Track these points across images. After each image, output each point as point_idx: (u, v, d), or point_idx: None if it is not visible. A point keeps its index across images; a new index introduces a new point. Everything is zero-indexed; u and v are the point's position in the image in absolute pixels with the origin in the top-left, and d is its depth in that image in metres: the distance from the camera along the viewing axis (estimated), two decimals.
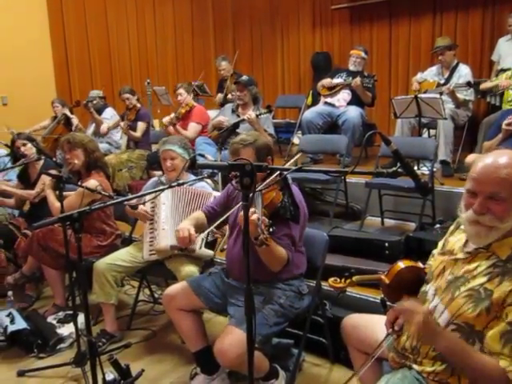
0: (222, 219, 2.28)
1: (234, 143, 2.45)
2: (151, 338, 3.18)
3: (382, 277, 1.85)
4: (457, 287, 1.58)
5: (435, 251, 1.87)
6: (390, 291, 1.85)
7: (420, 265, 1.87)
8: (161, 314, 3.48)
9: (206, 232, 2.37)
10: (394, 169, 1.45)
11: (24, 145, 3.79)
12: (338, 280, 1.95)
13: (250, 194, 1.48)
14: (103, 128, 5.78)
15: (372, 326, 1.97)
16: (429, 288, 1.73)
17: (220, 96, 6.32)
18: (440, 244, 1.83)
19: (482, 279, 1.53)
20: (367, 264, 3.01)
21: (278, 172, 2.05)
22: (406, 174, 1.55)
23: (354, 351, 2.06)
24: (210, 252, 2.95)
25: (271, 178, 2.12)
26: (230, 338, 2.17)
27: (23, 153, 3.76)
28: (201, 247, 2.88)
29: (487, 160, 1.53)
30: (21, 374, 2.80)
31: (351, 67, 5.36)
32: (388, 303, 1.96)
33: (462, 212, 1.58)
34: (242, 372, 2.37)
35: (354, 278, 1.94)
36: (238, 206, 2.52)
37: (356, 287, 2.78)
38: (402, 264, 1.85)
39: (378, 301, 2.71)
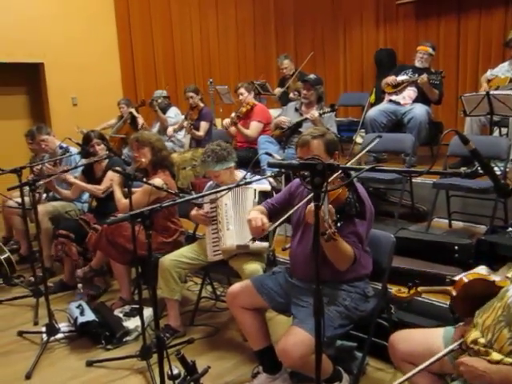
0: (286, 216, 2.23)
1: (304, 135, 2.42)
2: (213, 335, 3.22)
3: (449, 288, 1.79)
4: None
5: None
6: (457, 303, 1.79)
7: (492, 278, 1.79)
8: (223, 312, 3.51)
9: (272, 226, 2.34)
10: (473, 169, 1.38)
11: (98, 144, 3.93)
12: (402, 290, 1.91)
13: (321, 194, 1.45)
14: (169, 131, 5.91)
15: (427, 341, 1.91)
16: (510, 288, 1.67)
17: (279, 90, 6.31)
18: None
19: None
20: (435, 268, 2.91)
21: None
22: (485, 175, 1.47)
23: (409, 366, 1.99)
24: (264, 244, 2.93)
25: (334, 175, 2.07)
26: (294, 339, 2.16)
27: (95, 151, 3.90)
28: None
29: None
30: (89, 364, 2.92)
31: (417, 64, 5.19)
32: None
33: None
34: (304, 373, 2.35)
35: (420, 289, 1.89)
36: (300, 204, 2.49)
37: None
38: (470, 276, 1.77)
39: (445, 306, 2.64)
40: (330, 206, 1.94)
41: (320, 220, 1.80)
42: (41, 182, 3.62)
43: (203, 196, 2.48)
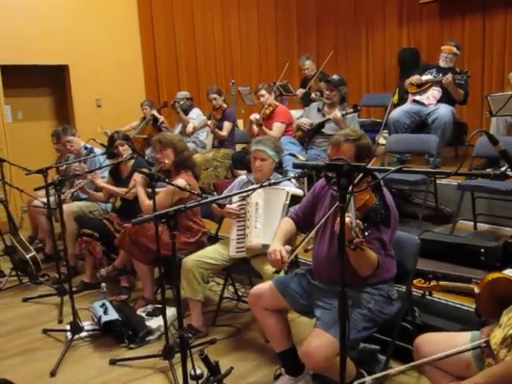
0: (318, 225, 2.19)
1: (338, 135, 2.40)
2: (235, 336, 3.22)
3: (472, 285, 1.77)
4: None
5: None
6: (480, 302, 1.76)
7: None
8: (245, 312, 3.51)
9: (292, 256, 2.34)
10: (503, 170, 1.35)
11: (122, 145, 3.96)
12: (423, 281, 1.90)
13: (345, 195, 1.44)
14: (189, 127, 5.92)
15: (453, 345, 1.88)
16: None
17: (301, 90, 6.28)
18: None
19: None
20: (460, 270, 2.85)
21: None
22: None
23: (432, 370, 1.97)
24: (286, 247, 2.91)
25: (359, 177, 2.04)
26: (317, 341, 2.14)
27: (119, 152, 3.94)
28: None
29: None
30: (113, 362, 2.95)
31: (442, 63, 5.11)
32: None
33: None
34: (326, 375, 2.32)
35: (442, 283, 1.87)
36: (324, 206, 2.48)
37: (448, 295, 2.69)
38: (494, 275, 1.74)
39: (471, 309, 2.59)
40: (358, 213, 1.91)
41: (346, 227, 1.77)
42: (72, 190, 3.73)
43: (228, 197, 2.47)
